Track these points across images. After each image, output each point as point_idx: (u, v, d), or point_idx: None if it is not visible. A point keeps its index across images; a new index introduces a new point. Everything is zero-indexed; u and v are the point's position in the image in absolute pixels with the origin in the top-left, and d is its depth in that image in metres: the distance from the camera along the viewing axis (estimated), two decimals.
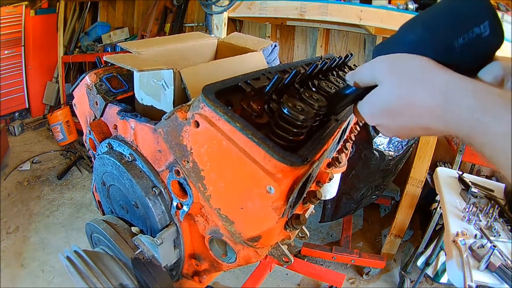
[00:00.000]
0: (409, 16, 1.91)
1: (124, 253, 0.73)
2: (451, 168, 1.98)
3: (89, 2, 4.17)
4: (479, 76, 0.45)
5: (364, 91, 0.50)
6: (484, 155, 0.37)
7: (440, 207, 1.82)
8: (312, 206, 0.95)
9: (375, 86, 0.47)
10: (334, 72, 0.83)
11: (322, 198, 0.76)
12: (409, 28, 0.48)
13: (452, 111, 0.38)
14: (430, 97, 0.40)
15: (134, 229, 0.79)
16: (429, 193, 2.31)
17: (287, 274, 2.27)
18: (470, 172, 2.44)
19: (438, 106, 0.39)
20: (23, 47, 3.98)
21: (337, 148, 0.91)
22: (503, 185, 1.75)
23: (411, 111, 0.42)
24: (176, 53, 0.91)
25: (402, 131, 0.46)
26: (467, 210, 1.51)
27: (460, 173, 1.78)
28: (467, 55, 0.44)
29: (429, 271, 2.00)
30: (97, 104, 0.80)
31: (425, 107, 0.41)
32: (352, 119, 0.93)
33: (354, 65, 0.96)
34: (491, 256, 1.20)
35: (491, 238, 1.35)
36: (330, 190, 1.11)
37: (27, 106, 4.25)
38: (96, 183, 0.89)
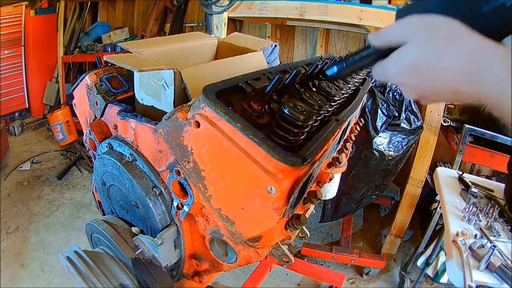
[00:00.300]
0: None
1: (125, 253, 0.73)
2: (451, 168, 1.98)
3: (89, 2, 4.17)
4: (504, 41, 0.45)
5: (387, 52, 0.49)
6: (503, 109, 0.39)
7: (440, 207, 1.82)
8: (312, 206, 0.95)
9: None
10: None
11: (322, 198, 0.76)
12: None
13: (482, 74, 0.39)
14: (461, 59, 0.41)
15: (134, 229, 0.79)
16: (429, 193, 2.31)
17: (287, 274, 2.27)
18: (470, 172, 2.44)
19: (468, 69, 0.40)
20: (23, 47, 3.98)
21: (338, 148, 0.91)
22: (503, 185, 1.75)
23: (441, 70, 0.42)
24: (176, 53, 0.91)
25: (428, 91, 0.46)
26: (467, 210, 1.51)
27: (460, 173, 1.78)
28: (491, 23, 0.44)
29: (429, 271, 2.00)
30: (97, 104, 0.80)
31: (455, 68, 0.41)
32: (352, 119, 0.93)
33: None
34: (491, 256, 1.20)
35: (491, 238, 1.35)
36: (330, 190, 1.11)
37: (27, 106, 4.24)
38: (96, 183, 0.88)
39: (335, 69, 0.58)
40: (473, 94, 0.41)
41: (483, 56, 0.40)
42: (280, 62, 1.01)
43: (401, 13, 0.51)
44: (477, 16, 0.43)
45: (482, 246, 1.28)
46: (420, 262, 2.06)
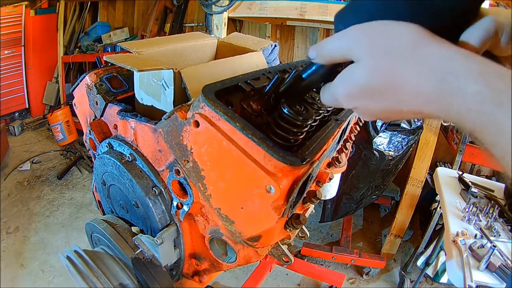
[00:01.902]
0: None
1: (124, 252, 0.73)
2: (451, 168, 1.98)
3: (89, 2, 4.17)
4: (463, 38, 0.37)
5: (331, 68, 0.42)
6: (493, 154, 0.31)
7: (440, 207, 1.82)
8: (312, 206, 0.95)
9: (347, 62, 0.39)
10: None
11: (322, 198, 0.76)
12: None
13: (453, 97, 0.31)
14: (423, 79, 0.33)
15: (134, 229, 0.79)
16: (429, 193, 2.31)
17: (287, 274, 2.27)
18: (470, 172, 2.44)
19: (434, 91, 0.32)
20: (23, 47, 3.98)
21: (337, 148, 0.91)
22: (503, 185, 1.75)
23: (398, 93, 0.35)
24: (176, 53, 0.91)
25: (386, 114, 0.39)
26: (467, 210, 1.51)
27: (460, 173, 1.78)
28: (451, 11, 0.36)
29: (429, 271, 2.00)
30: (97, 104, 0.80)
31: (417, 91, 0.33)
32: (352, 119, 0.93)
33: None
34: (491, 256, 1.20)
35: (491, 238, 1.35)
36: (330, 190, 1.11)
37: (27, 106, 4.25)
38: (96, 183, 0.89)
39: (283, 89, 0.52)
40: (441, 117, 0.34)
41: (452, 74, 0.31)
42: (280, 62, 1.01)
43: (340, 19, 0.43)
44: (432, 7, 0.35)
45: (482, 246, 1.28)
46: (420, 262, 2.06)
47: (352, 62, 0.38)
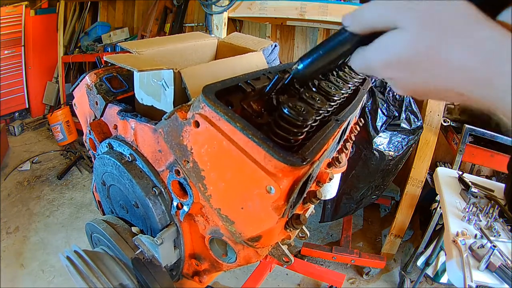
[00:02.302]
0: None
1: (124, 253, 0.73)
2: (451, 168, 1.98)
3: (89, 2, 4.17)
4: (502, 18, 0.36)
5: (368, 37, 0.38)
6: None
7: (440, 207, 1.82)
8: (312, 206, 0.95)
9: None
10: (334, 72, 0.83)
11: (322, 198, 0.76)
12: None
13: (496, 79, 0.31)
14: (471, 56, 0.32)
15: (134, 229, 0.79)
16: (429, 193, 2.31)
17: (287, 274, 2.27)
18: (470, 172, 2.44)
19: (480, 69, 0.31)
20: (23, 47, 3.98)
21: (337, 148, 0.91)
22: (503, 185, 1.75)
23: (442, 68, 0.33)
24: (176, 53, 0.91)
25: (422, 90, 0.37)
26: (467, 210, 1.51)
27: (460, 173, 1.78)
28: None
29: (429, 271, 2.00)
30: (97, 104, 0.80)
31: (462, 67, 0.32)
32: (352, 119, 0.93)
33: None
34: (491, 256, 1.20)
35: (491, 238, 1.35)
36: (330, 190, 1.11)
37: (27, 106, 4.25)
38: (96, 183, 0.89)
39: (300, 66, 0.45)
40: (482, 100, 0.34)
41: (499, 55, 0.30)
42: (280, 62, 1.01)
43: None
44: None
45: (482, 246, 1.28)
46: (420, 262, 2.06)
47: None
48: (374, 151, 2.01)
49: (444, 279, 2.00)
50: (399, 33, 0.35)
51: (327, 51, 0.43)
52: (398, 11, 0.35)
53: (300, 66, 0.45)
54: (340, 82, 0.75)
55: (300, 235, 0.97)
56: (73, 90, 0.88)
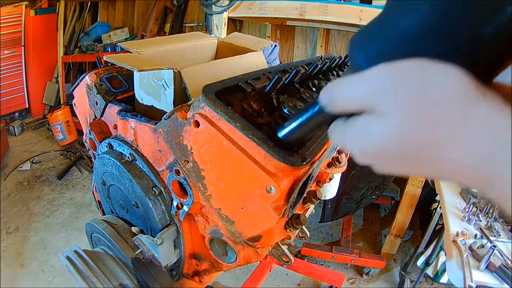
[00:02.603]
0: None
1: (124, 253, 0.73)
2: None
3: (89, 2, 4.17)
4: (500, 80, 0.31)
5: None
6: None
7: (440, 207, 1.82)
8: (312, 206, 0.95)
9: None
10: (334, 72, 0.83)
11: (322, 198, 0.76)
12: (408, 7, 0.30)
13: (498, 177, 0.26)
14: (466, 150, 0.26)
15: (134, 229, 0.79)
16: (429, 193, 2.31)
17: (287, 274, 2.27)
18: None
19: (477, 165, 0.26)
20: (23, 47, 3.98)
21: (337, 148, 0.91)
22: None
23: (431, 162, 0.29)
24: (176, 53, 0.91)
25: (407, 173, 0.32)
26: (467, 210, 1.51)
27: None
28: (495, 49, 0.29)
29: (429, 271, 2.00)
30: (97, 104, 0.80)
31: (456, 163, 0.27)
32: None
33: None
34: (491, 256, 1.20)
35: (491, 238, 1.35)
36: (330, 190, 1.11)
37: (27, 106, 4.25)
38: (96, 183, 0.89)
39: (280, 134, 0.46)
40: (470, 186, 0.30)
41: (502, 148, 0.25)
42: (280, 62, 1.01)
43: (360, 46, 0.34)
44: (478, 43, 0.28)
45: (482, 246, 1.28)
46: (420, 262, 2.06)
47: None
48: None
49: (444, 279, 2.00)
50: (380, 120, 0.29)
51: (304, 123, 0.41)
52: (379, 93, 0.30)
53: (280, 135, 0.46)
54: None
55: (300, 235, 0.97)
56: (73, 90, 0.88)
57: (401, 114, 0.28)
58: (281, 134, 0.45)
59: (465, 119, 0.26)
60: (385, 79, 0.29)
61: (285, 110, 0.50)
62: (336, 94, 0.33)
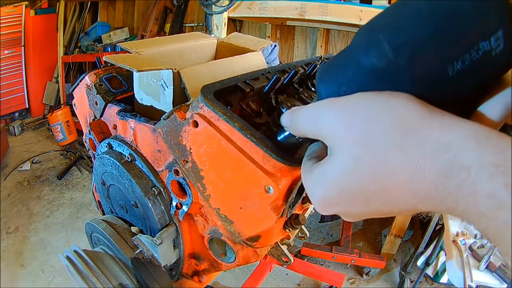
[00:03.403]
0: None
1: (124, 252, 0.73)
2: None
3: (89, 2, 4.18)
4: (481, 110, 0.29)
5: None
6: (485, 236, 0.25)
7: None
8: (311, 206, 0.96)
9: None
10: None
11: None
12: (368, 43, 0.30)
13: (459, 196, 0.24)
14: (420, 173, 0.25)
15: (133, 229, 0.79)
16: None
17: (287, 274, 2.27)
18: None
19: (435, 186, 0.25)
20: (23, 47, 3.99)
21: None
22: None
23: (389, 194, 0.27)
24: (176, 53, 0.91)
25: (374, 215, 0.31)
26: None
27: None
28: (465, 86, 0.28)
29: (429, 271, 2.00)
30: (96, 104, 0.80)
31: (413, 189, 0.26)
32: None
33: None
34: (491, 256, 1.20)
35: None
36: None
37: (27, 106, 4.26)
38: (96, 183, 0.89)
39: (280, 136, 0.47)
40: (437, 211, 0.28)
41: (459, 165, 0.23)
42: (280, 62, 1.01)
43: (321, 83, 0.34)
44: (444, 80, 0.27)
45: (482, 246, 1.28)
46: (420, 262, 2.06)
47: None
48: None
49: (444, 279, 2.00)
50: (331, 161, 0.29)
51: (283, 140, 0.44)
52: (327, 128, 0.29)
53: (279, 138, 0.46)
54: None
55: (300, 235, 0.97)
56: (73, 90, 0.88)
57: (350, 150, 0.28)
58: (280, 137, 0.46)
59: (414, 139, 0.25)
60: (332, 113, 0.29)
61: (284, 110, 0.50)
62: (294, 119, 0.35)
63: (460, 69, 0.26)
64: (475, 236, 1.37)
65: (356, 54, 0.31)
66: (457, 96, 0.28)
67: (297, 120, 0.34)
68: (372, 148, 0.26)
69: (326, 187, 0.30)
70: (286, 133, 0.44)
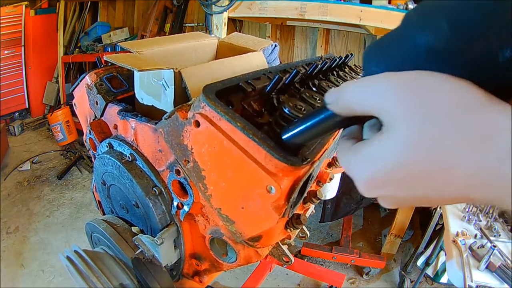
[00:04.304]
0: None
1: (125, 253, 0.73)
2: None
3: (89, 2, 4.18)
4: None
5: (348, 119, 0.34)
6: None
7: (440, 207, 1.82)
8: (312, 206, 0.96)
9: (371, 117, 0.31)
10: (335, 72, 0.83)
11: (322, 198, 0.76)
12: (426, 22, 0.30)
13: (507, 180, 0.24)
14: (480, 157, 0.25)
15: (134, 229, 0.79)
16: None
17: (287, 274, 2.27)
18: None
19: (492, 173, 0.25)
20: (23, 47, 3.99)
21: (338, 148, 0.91)
22: None
23: (445, 177, 0.26)
24: (176, 53, 0.91)
25: (418, 201, 0.30)
26: (467, 210, 1.51)
27: None
28: (509, 72, 0.27)
29: (429, 271, 2.00)
30: (97, 104, 0.80)
31: (470, 174, 0.25)
32: None
33: (355, 65, 0.96)
34: (491, 256, 1.21)
35: (491, 238, 1.35)
36: (331, 190, 1.11)
37: (27, 106, 4.25)
38: (96, 183, 0.88)
39: (284, 137, 0.45)
40: (488, 202, 0.27)
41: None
42: (280, 62, 1.01)
43: (370, 57, 0.34)
44: (494, 65, 0.27)
45: (482, 246, 1.28)
46: (420, 262, 2.06)
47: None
48: None
49: (444, 279, 2.00)
50: (387, 137, 0.28)
51: (309, 127, 0.40)
52: (385, 99, 0.28)
53: (284, 137, 0.45)
54: (341, 82, 0.75)
55: (300, 235, 0.97)
56: (73, 90, 0.88)
57: (411, 124, 0.26)
58: (285, 136, 0.45)
59: (477, 122, 0.25)
60: (393, 85, 0.28)
61: (286, 110, 0.50)
62: (342, 94, 0.32)
63: (509, 56, 0.26)
64: (475, 236, 1.37)
65: (411, 33, 0.30)
66: (502, 84, 0.28)
67: (345, 94, 0.32)
68: (433, 126, 0.26)
69: (376, 165, 0.29)
70: (291, 132, 0.43)
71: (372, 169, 0.29)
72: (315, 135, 0.41)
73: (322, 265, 2.36)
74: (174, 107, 0.68)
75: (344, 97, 0.32)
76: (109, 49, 3.74)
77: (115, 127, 0.78)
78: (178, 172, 0.64)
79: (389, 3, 1.89)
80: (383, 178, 0.28)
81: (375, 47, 0.35)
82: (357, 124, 0.35)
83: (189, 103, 0.59)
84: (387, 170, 0.28)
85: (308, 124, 0.40)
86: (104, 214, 0.94)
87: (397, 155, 0.27)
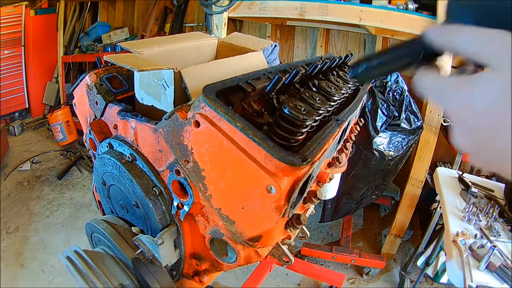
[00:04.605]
0: (409, 16, 1.92)
1: (125, 253, 0.73)
2: (451, 168, 1.98)
3: (89, 2, 4.17)
4: None
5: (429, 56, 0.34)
6: None
7: (440, 207, 1.82)
8: (312, 206, 0.95)
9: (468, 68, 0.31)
10: (334, 72, 0.83)
11: (322, 198, 0.76)
12: None
13: None
14: None
15: (134, 229, 0.79)
16: (429, 193, 2.31)
17: (287, 274, 2.26)
18: (470, 172, 2.43)
19: None
20: (23, 47, 3.99)
21: (338, 148, 0.91)
22: (503, 185, 1.75)
23: None
24: (176, 53, 0.91)
25: (494, 154, 0.30)
26: (467, 210, 1.51)
27: (460, 173, 1.78)
28: None
29: (429, 271, 2.00)
30: (97, 104, 0.80)
31: None
32: (352, 119, 0.93)
33: None
34: (491, 256, 1.20)
35: (491, 238, 1.35)
36: (330, 190, 1.11)
37: (27, 106, 4.25)
38: (96, 183, 0.89)
39: (358, 71, 0.43)
40: None
41: None
42: (280, 62, 1.01)
43: (458, 7, 0.35)
44: None
45: (482, 246, 1.28)
46: (420, 262, 2.06)
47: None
48: (374, 151, 2.01)
49: (444, 279, 2.00)
50: (495, 75, 0.29)
51: (392, 57, 0.40)
52: (496, 48, 0.29)
53: (359, 71, 0.42)
54: (340, 82, 0.75)
55: (300, 235, 0.97)
56: (73, 90, 0.88)
57: None
58: (360, 69, 0.42)
59: None
60: (505, 38, 0.29)
61: (286, 110, 0.50)
62: (455, 34, 0.33)
63: None
64: (475, 236, 1.37)
65: None
66: None
67: (459, 34, 0.32)
68: None
69: (481, 100, 0.29)
70: (376, 60, 0.41)
71: (479, 100, 0.29)
72: (389, 69, 0.41)
73: (322, 265, 2.36)
74: (174, 107, 0.68)
75: (456, 37, 0.33)
76: (109, 49, 3.73)
77: (115, 127, 0.78)
78: (178, 172, 0.65)
79: (389, 3, 1.89)
80: (485, 110, 0.29)
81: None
82: (424, 65, 0.36)
83: (189, 103, 0.59)
84: (490, 106, 0.29)
85: (389, 55, 0.40)
86: (104, 214, 0.94)
87: (502, 92, 0.28)
